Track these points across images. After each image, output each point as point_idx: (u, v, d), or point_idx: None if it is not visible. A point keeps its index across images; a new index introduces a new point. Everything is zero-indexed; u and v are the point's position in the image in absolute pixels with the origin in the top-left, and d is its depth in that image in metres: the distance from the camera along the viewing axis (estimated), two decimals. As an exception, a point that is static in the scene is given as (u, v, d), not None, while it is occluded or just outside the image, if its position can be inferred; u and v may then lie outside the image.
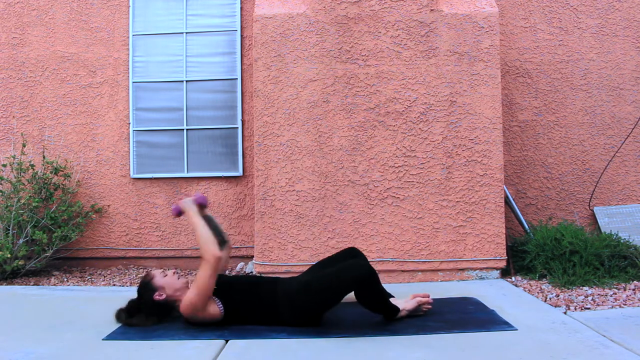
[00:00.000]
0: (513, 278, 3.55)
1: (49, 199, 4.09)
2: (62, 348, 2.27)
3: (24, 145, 4.15)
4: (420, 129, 3.59)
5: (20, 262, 3.78)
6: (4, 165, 4.08)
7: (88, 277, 3.98)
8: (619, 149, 4.28)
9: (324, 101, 3.62)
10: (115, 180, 4.33)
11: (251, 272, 4.04)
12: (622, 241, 3.60)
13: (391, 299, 2.59)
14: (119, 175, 4.33)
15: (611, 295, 3.01)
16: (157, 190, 4.30)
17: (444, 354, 2.12)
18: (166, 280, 2.56)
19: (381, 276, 3.06)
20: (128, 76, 4.34)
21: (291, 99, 3.63)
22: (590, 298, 2.98)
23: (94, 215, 4.25)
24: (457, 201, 3.57)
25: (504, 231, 3.58)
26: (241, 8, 4.33)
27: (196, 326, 2.49)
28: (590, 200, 4.29)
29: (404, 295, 2.71)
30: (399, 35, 3.61)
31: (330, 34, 3.63)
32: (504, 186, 3.77)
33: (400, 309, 2.56)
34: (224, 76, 4.31)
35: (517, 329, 2.41)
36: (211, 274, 2.40)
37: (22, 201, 3.92)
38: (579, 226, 3.92)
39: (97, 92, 4.37)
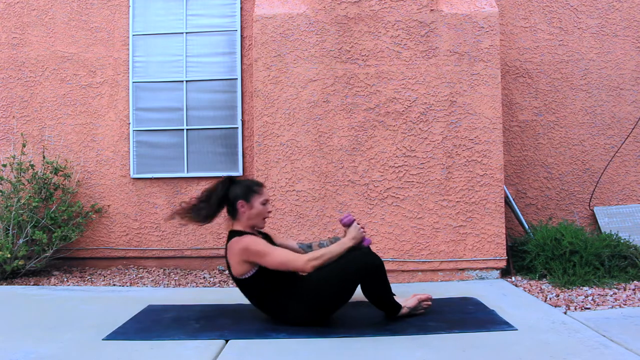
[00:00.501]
0: (513, 278, 3.55)
1: (49, 199, 4.09)
2: (62, 348, 2.27)
3: (24, 145, 4.15)
4: (420, 129, 3.59)
5: (20, 262, 3.78)
6: (4, 165, 4.08)
7: (88, 277, 3.98)
8: (619, 149, 4.28)
9: (324, 101, 3.62)
10: (115, 180, 4.33)
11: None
12: (622, 241, 3.60)
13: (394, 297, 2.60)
14: (119, 175, 4.33)
15: (611, 295, 3.01)
16: (157, 190, 4.30)
17: (444, 354, 2.12)
18: (261, 213, 2.58)
19: (381, 276, 3.06)
20: (128, 76, 4.34)
21: (291, 99, 3.63)
22: (590, 298, 2.98)
23: (94, 215, 4.25)
24: (457, 201, 3.57)
25: (504, 231, 3.58)
26: (241, 8, 4.33)
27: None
28: (590, 200, 4.29)
29: (404, 295, 2.71)
30: (399, 35, 3.61)
31: (330, 34, 3.63)
32: (504, 186, 3.77)
33: (402, 306, 2.57)
34: (224, 76, 4.31)
35: (517, 329, 2.41)
36: (286, 266, 2.42)
37: (22, 201, 3.92)
38: (579, 226, 3.92)
39: (97, 92, 4.37)
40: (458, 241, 3.56)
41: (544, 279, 3.45)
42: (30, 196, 3.96)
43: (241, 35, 4.32)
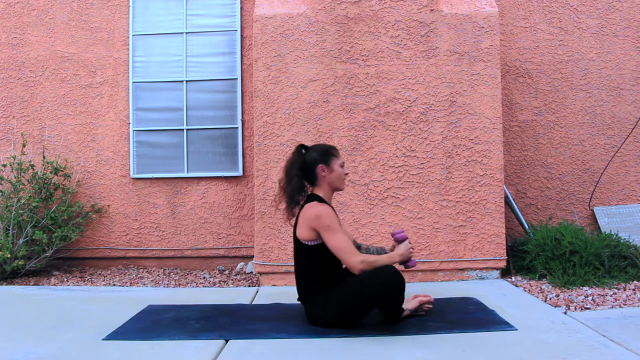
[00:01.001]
0: (513, 278, 3.55)
1: (49, 199, 4.09)
2: (62, 348, 2.27)
3: (24, 145, 4.15)
4: (420, 129, 3.59)
5: (20, 262, 3.78)
6: (4, 165, 4.08)
7: (88, 277, 3.98)
8: (619, 149, 4.28)
9: (324, 101, 3.62)
10: (115, 180, 4.33)
11: (251, 272, 4.04)
12: (622, 241, 3.60)
13: None
14: (119, 175, 4.33)
15: (611, 295, 3.01)
16: (157, 190, 4.30)
17: (444, 354, 2.12)
18: (338, 182, 2.58)
19: (381, 276, 3.06)
20: (128, 76, 4.34)
21: (291, 99, 3.63)
22: (590, 298, 2.98)
23: (94, 215, 4.25)
24: (457, 201, 3.57)
25: (504, 231, 3.58)
26: (241, 8, 4.33)
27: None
28: (590, 200, 4.29)
29: (404, 296, 2.71)
30: (399, 35, 3.61)
31: (330, 34, 3.63)
32: (504, 186, 3.77)
33: (404, 309, 2.57)
34: (224, 76, 4.31)
35: (517, 329, 2.41)
36: (341, 253, 2.40)
37: (22, 201, 3.92)
38: (579, 226, 3.92)
39: (97, 92, 4.37)
40: (458, 241, 3.56)
41: (544, 279, 3.45)
42: (30, 196, 3.97)
43: (241, 35, 4.32)
